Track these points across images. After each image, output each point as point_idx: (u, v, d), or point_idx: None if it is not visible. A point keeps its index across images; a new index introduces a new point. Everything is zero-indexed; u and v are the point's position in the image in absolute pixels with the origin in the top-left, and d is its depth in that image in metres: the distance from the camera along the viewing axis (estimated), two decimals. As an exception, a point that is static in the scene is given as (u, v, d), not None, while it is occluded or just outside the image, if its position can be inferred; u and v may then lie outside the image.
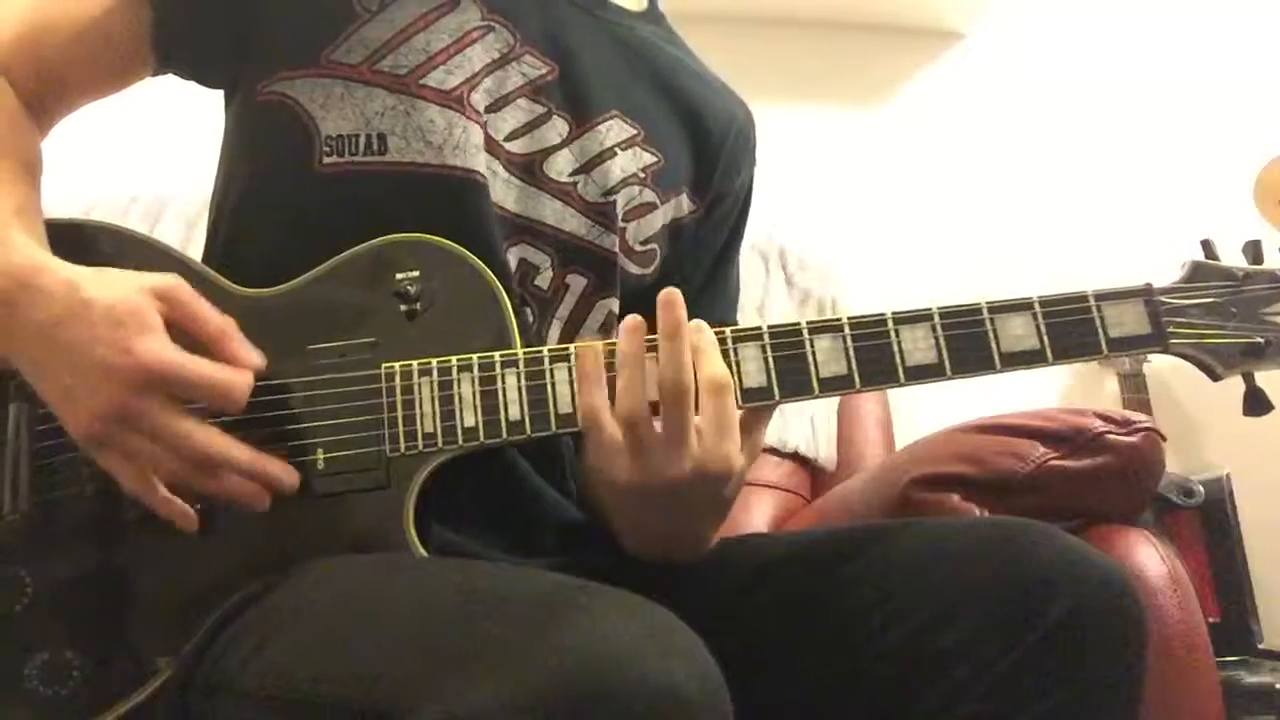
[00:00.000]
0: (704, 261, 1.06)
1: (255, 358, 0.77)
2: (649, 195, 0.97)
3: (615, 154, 0.95)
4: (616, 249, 0.95)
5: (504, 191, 0.90)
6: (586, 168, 0.94)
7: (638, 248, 0.98)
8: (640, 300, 0.97)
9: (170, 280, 0.76)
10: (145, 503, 0.75)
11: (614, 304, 0.96)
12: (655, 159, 0.98)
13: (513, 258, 0.90)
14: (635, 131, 0.97)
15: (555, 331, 0.93)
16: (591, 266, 0.94)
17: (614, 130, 0.95)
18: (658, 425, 0.76)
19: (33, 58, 0.89)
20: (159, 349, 0.72)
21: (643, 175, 0.97)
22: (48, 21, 0.90)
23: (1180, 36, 2.46)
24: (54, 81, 0.90)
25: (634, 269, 0.98)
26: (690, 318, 0.85)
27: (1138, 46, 2.47)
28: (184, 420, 0.72)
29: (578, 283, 0.94)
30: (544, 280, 0.92)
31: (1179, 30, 2.47)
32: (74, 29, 0.89)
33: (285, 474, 0.76)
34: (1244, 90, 2.39)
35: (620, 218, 0.95)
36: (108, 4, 0.90)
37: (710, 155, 1.03)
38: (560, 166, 0.93)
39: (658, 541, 0.86)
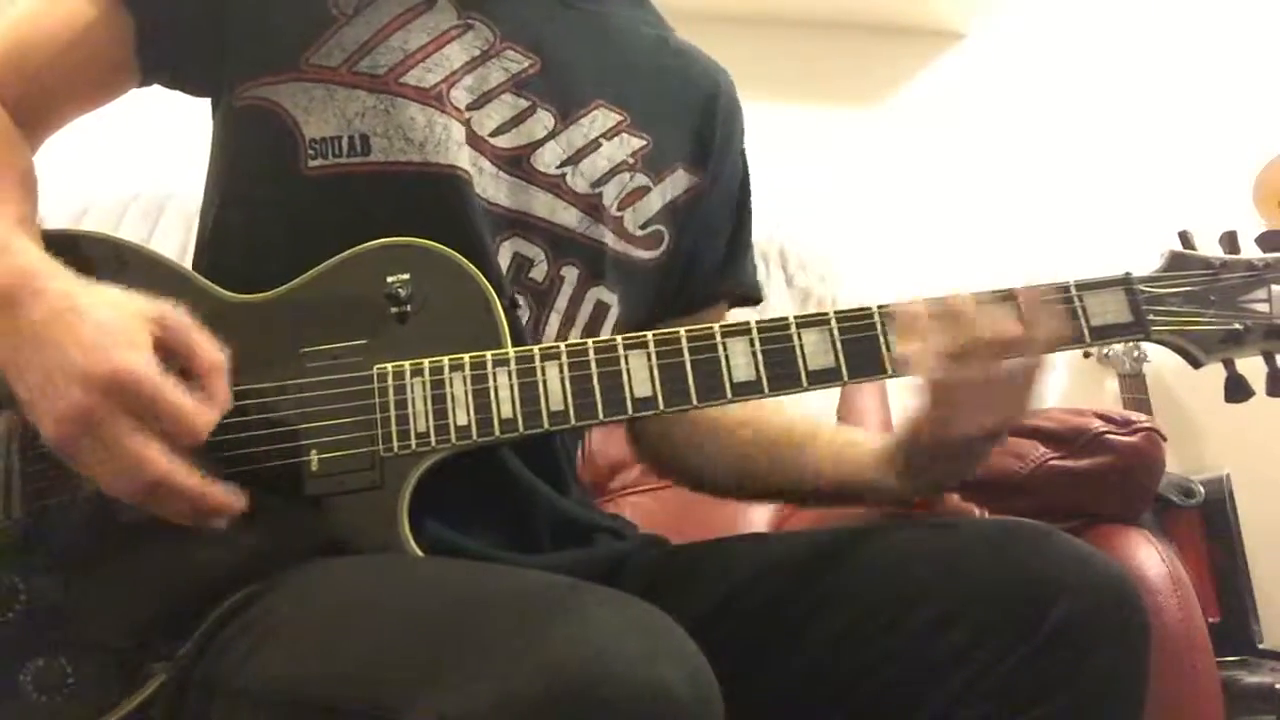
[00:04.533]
0: (720, 235, 1.07)
1: (228, 399, 0.75)
2: (641, 179, 0.98)
3: (600, 144, 0.95)
4: (605, 240, 0.95)
5: (494, 187, 0.90)
6: (574, 159, 0.94)
7: (638, 232, 0.98)
8: (653, 283, 1.00)
9: (169, 307, 0.75)
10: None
11: (604, 293, 0.96)
12: (643, 142, 0.98)
13: (506, 252, 0.90)
14: (621, 118, 0.97)
15: (554, 323, 0.93)
16: (583, 257, 0.94)
17: (599, 120, 0.96)
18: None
19: (18, 73, 0.89)
20: (133, 359, 0.71)
21: (631, 161, 0.97)
22: (32, 36, 0.90)
23: (1180, 37, 2.46)
24: (41, 95, 0.90)
25: (640, 253, 0.99)
26: (716, 292, 1.04)
27: (1137, 47, 2.48)
28: (139, 439, 0.70)
29: (571, 274, 0.94)
30: (539, 273, 0.92)
31: (1179, 31, 2.46)
32: (59, 42, 0.90)
33: (230, 503, 0.74)
34: (1244, 90, 2.39)
35: (614, 207, 0.96)
36: (91, 16, 0.90)
37: (706, 125, 1.04)
38: (548, 159, 0.93)
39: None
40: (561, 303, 0.94)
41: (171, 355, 0.74)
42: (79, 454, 0.71)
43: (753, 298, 1.12)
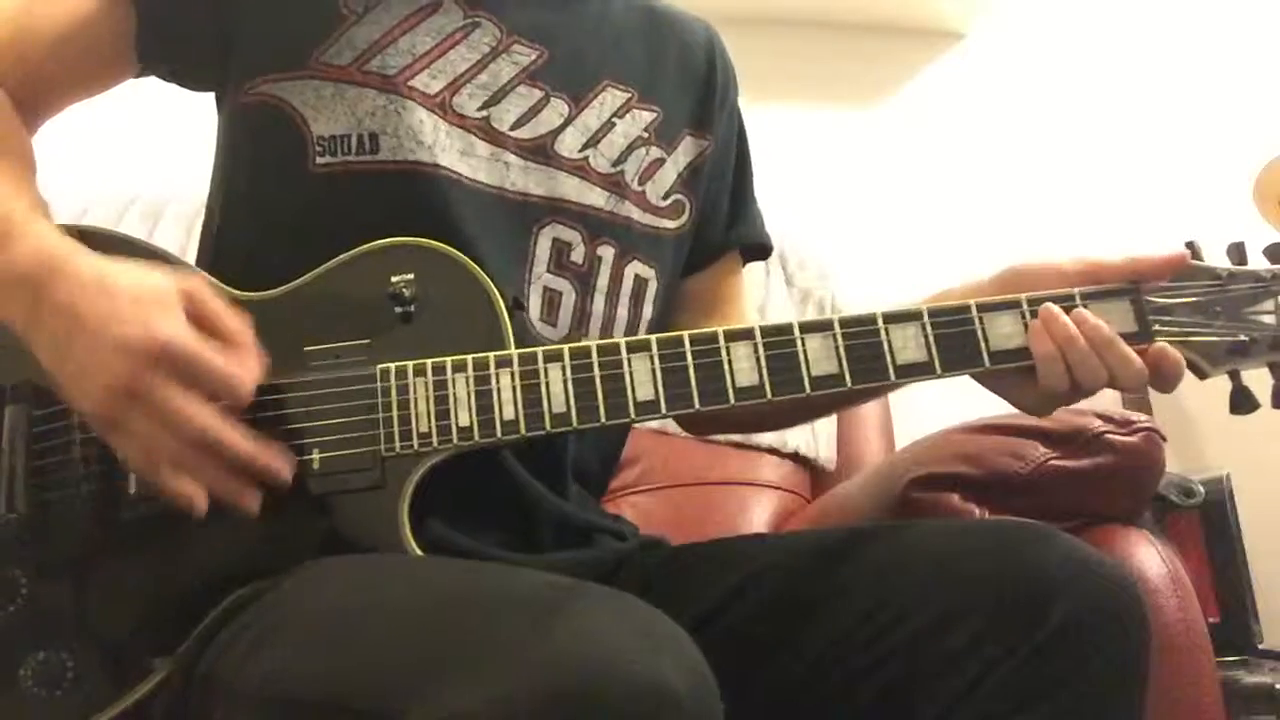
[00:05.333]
0: (724, 187, 1.09)
1: (263, 363, 0.77)
2: (656, 151, 1.00)
3: (614, 124, 0.97)
4: (632, 215, 0.97)
5: (524, 178, 0.92)
6: (593, 141, 0.96)
7: (660, 204, 1.00)
8: (686, 250, 1.03)
9: (195, 280, 0.77)
10: (152, 482, 0.74)
11: (640, 267, 0.98)
12: (654, 114, 1.00)
13: (546, 239, 0.92)
14: (629, 94, 0.99)
15: (599, 303, 0.95)
16: (615, 235, 0.96)
17: (609, 100, 0.98)
18: None
19: (19, 59, 0.90)
20: (177, 328, 0.72)
21: (646, 135, 0.99)
22: (33, 23, 0.90)
23: (1180, 37, 2.46)
24: (40, 82, 0.91)
25: (667, 224, 1.01)
26: (727, 246, 1.07)
27: (1137, 47, 2.47)
28: (189, 400, 0.72)
29: (607, 252, 0.96)
30: (578, 255, 0.94)
31: (1179, 31, 2.46)
32: (59, 31, 0.90)
33: (282, 465, 0.76)
34: (1244, 90, 2.39)
35: (635, 182, 0.98)
36: (92, 7, 0.90)
37: (706, 90, 1.06)
38: (570, 144, 0.95)
39: None
40: (603, 281, 0.95)
41: (198, 325, 0.75)
42: (124, 430, 0.73)
43: (762, 246, 1.13)
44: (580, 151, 0.95)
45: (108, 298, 0.73)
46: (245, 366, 0.75)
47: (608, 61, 0.99)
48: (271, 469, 0.75)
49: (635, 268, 0.98)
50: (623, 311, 0.97)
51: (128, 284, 0.74)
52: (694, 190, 1.03)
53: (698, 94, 1.05)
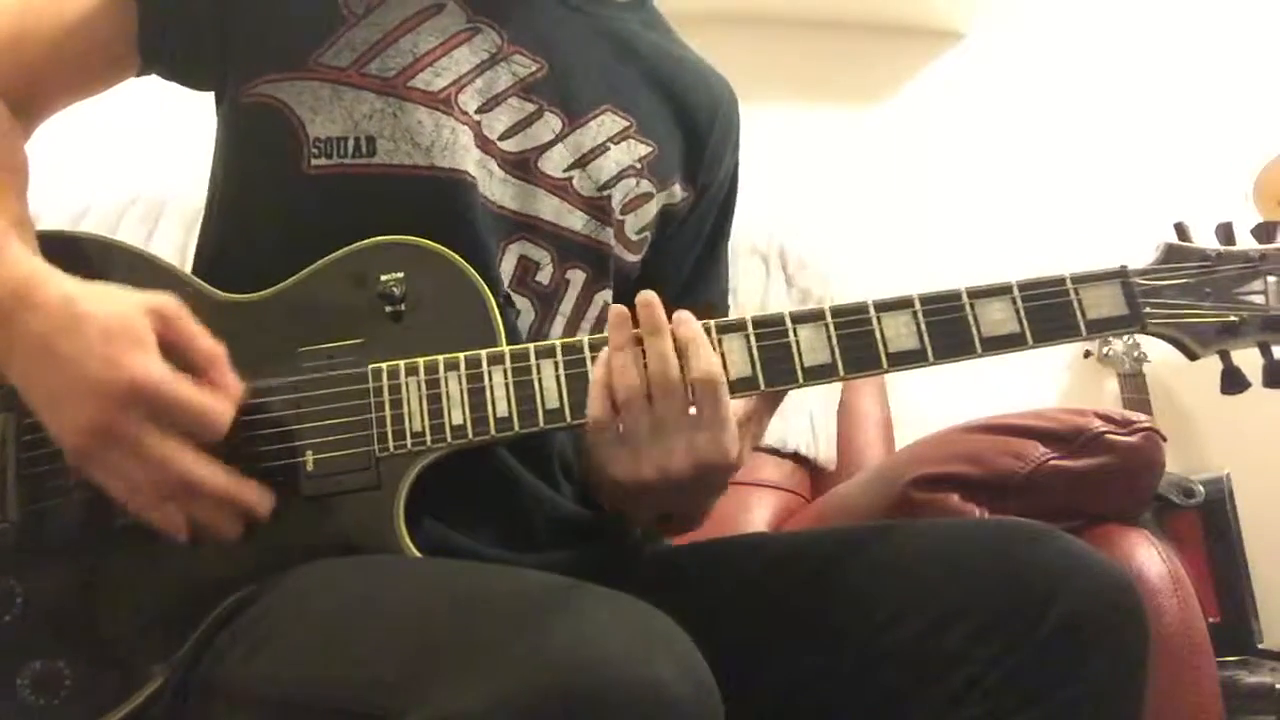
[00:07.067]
0: (694, 248, 1.07)
1: (239, 388, 0.76)
2: (646, 186, 0.98)
3: (609, 148, 0.95)
4: (610, 243, 0.95)
5: (501, 190, 0.90)
6: (581, 163, 0.94)
7: (634, 237, 0.99)
8: (628, 286, 0.99)
9: (167, 300, 0.75)
10: (134, 513, 0.74)
11: (609, 294, 0.97)
12: (650, 149, 0.98)
13: (512, 255, 0.91)
14: (628, 123, 0.97)
15: (558, 326, 0.94)
16: (589, 260, 0.95)
17: (606, 124, 0.96)
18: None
19: (17, 59, 0.89)
20: (148, 366, 0.71)
21: (638, 166, 0.97)
22: (33, 23, 0.89)
23: (1180, 37, 2.46)
24: (39, 83, 0.90)
25: (629, 257, 0.99)
26: (683, 304, 0.92)
27: (1137, 47, 2.47)
28: (166, 442, 0.71)
29: (577, 277, 0.94)
30: (545, 276, 0.92)
31: (1179, 31, 2.46)
32: (59, 30, 0.89)
33: (260, 500, 0.75)
34: (1244, 90, 2.39)
35: (618, 211, 0.96)
36: (92, 6, 0.90)
37: (698, 146, 1.03)
38: (555, 162, 0.93)
39: (653, 517, 0.88)
40: (567, 306, 0.94)
41: (172, 348, 0.74)
42: (102, 465, 0.72)
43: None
44: (565, 171, 0.93)
45: (78, 333, 0.71)
46: (224, 394, 0.74)
47: (611, 86, 0.97)
48: (250, 504, 0.75)
49: (605, 295, 0.96)
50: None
51: (97, 316, 0.72)
52: (656, 232, 1.01)
53: (688, 145, 1.02)
